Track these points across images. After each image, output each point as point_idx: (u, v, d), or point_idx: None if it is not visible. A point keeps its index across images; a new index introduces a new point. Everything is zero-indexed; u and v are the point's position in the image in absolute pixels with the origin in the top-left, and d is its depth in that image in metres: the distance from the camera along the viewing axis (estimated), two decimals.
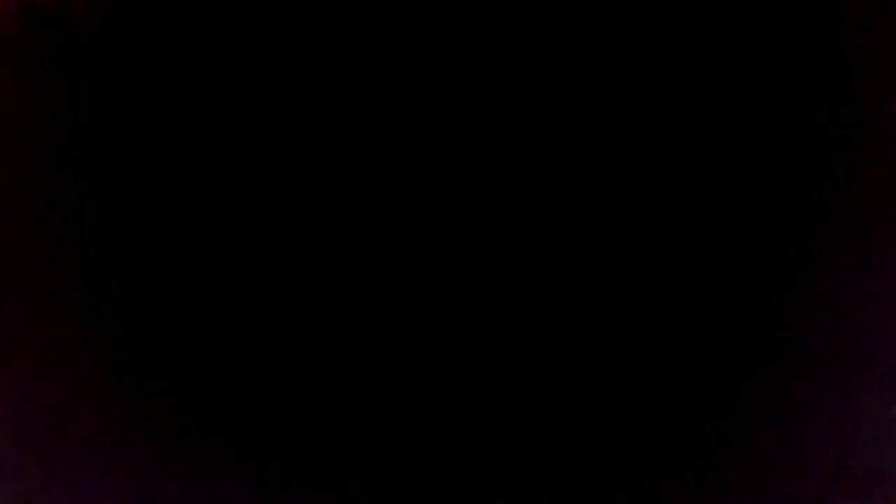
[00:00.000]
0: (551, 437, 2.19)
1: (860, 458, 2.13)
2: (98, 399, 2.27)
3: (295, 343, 2.29)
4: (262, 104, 2.29)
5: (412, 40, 2.27)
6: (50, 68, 2.32)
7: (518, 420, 2.20)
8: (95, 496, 2.16)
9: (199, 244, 2.32)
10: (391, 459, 2.17)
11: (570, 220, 2.29)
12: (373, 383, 2.26)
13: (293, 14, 2.30)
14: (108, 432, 2.21)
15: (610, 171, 2.29)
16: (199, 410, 2.24)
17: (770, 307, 2.31)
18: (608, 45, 2.30)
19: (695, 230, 2.31)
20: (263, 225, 2.30)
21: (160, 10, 2.32)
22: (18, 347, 2.34)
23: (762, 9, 2.29)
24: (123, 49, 2.32)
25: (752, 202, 2.31)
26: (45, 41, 2.34)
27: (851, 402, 2.21)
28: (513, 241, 2.30)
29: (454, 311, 2.30)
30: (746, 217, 2.31)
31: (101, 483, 2.17)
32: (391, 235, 2.31)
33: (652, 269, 2.29)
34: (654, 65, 2.29)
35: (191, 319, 2.31)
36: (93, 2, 2.34)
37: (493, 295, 2.31)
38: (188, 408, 2.24)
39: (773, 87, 2.30)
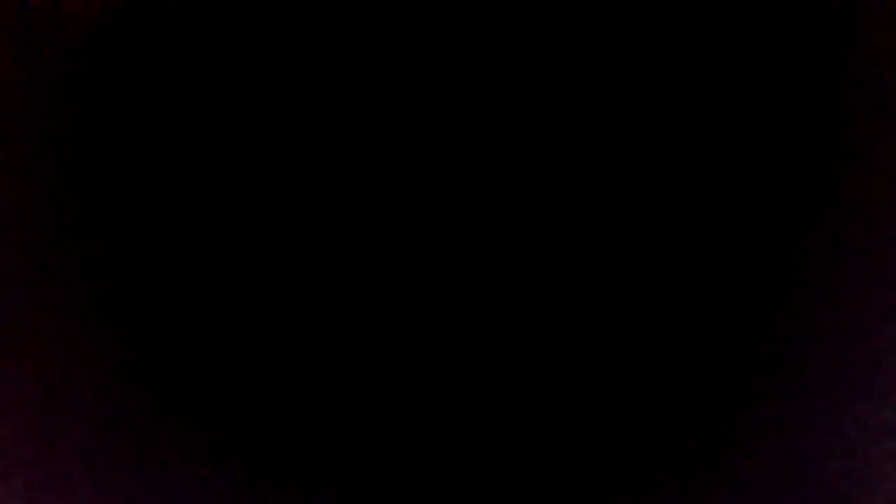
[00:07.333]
0: (547, 438, 2.21)
1: (849, 464, 2.16)
2: (98, 398, 2.27)
3: (298, 345, 2.30)
4: (269, 106, 2.30)
5: (411, 42, 2.29)
6: (53, 66, 2.32)
7: (513, 422, 2.22)
8: (95, 494, 2.17)
9: (201, 245, 2.32)
10: (391, 459, 2.18)
11: (556, 227, 2.31)
12: (373, 383, 2.27)
13: (301, 14, 2.31)
14: (107, 431, 2.22)
15: (599, 173, 2.31)
16: (199, 410, 2.24)
17: (759, 315, 2.33)
18: (605, 47, 2.32)
19: (688, 238, 2.33)
20: (266, 224, 2.31)
21: (163, 12, 2.32)
22: (21, 344, 2.33)
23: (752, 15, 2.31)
24: (126, 49, 2.32)
25: (744, 210, 2.34)
26: (45, 39, 2.34)
27: (841, 408, 2.23)
28: (508, 240, 2.32)
29: (453, 312, 2.31)
30: (736, 227, 2.34)
31: (101, 481, 2.18)
32: (390, 234, 2.32)
33: (647, 278, 2.31)
34: (644, 68, 2.31)
35: (192, 321, 2.32)
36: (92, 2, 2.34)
37: (489, 296, 2.32)
38: (188, 408, 2.25)
39: (758, 89, 2.32)
